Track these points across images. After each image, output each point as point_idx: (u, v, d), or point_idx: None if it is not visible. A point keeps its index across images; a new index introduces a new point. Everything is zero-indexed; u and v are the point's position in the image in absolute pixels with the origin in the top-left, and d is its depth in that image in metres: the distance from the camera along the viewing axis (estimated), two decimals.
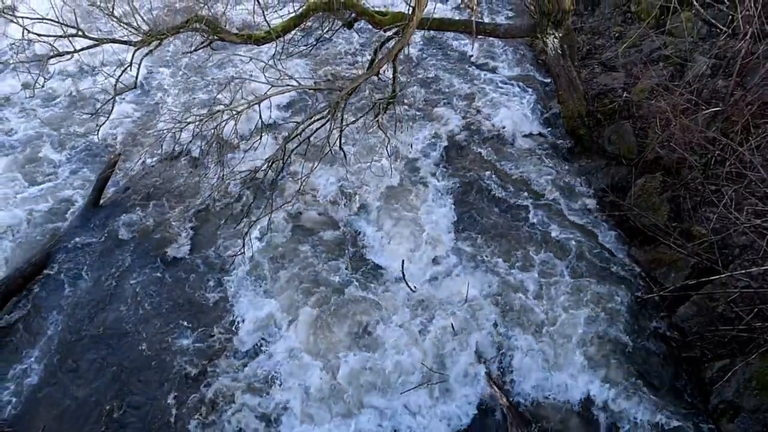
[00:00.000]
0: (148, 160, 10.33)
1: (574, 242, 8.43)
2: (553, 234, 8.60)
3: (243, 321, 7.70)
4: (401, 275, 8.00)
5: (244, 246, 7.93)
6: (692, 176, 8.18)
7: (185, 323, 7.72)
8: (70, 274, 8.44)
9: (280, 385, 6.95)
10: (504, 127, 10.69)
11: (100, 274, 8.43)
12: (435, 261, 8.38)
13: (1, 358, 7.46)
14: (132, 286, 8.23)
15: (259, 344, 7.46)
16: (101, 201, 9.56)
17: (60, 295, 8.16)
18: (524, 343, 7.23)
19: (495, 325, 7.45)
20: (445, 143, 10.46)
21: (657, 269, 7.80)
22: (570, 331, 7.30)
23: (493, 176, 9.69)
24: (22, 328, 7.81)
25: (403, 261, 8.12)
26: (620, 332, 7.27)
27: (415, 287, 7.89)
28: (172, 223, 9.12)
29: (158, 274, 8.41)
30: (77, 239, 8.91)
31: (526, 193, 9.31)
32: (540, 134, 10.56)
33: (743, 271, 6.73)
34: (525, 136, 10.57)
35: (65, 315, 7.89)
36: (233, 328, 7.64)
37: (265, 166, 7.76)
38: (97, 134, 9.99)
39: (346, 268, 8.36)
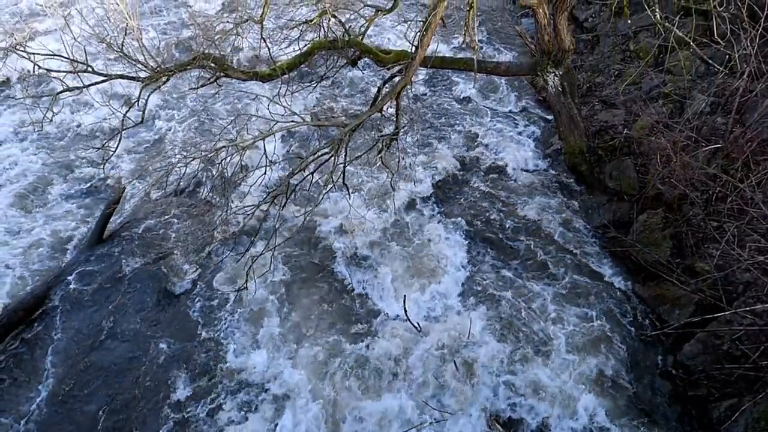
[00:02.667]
0: (153, 195, 10.40)
1: (577, 278, 8.41)
2: (556, 270, 8.58)
3: (243, 357, 7.65)
4: (404, 311, 7.96)
5: (246, 281, 7.93)
6: (694, 212, 8.20)
7: (186, 358, 7.67)
8: (71, 307, 8.42)
9: (279, 424, 6.86)
10: (506, 163, 10.78)
11: (101, 307, 8.41)
12: (438, 297, 8.35)
13: (1, 390, 7.40)
14: (133, 321, 8.20)
15: (258, 381, 7.39)
16: (105, 235, 9.59)
17: (60, 329, 8.12)
18: (528, 381, 7.15)
19: (499, 362, 7.37)
20: (448, 179, 10.53)
21: (661, 306, 7.75)
22: (574, 369, 7.23)
23: (495, 211, 9.72)
24: (22, 360, 7.77)
25: (405, 297, 8.09)
26: (625, 370, 7.20)
27: (418, 325, 7.84)
28: (175, 257, 9.13)
29: (159, 309, 8.38)
30: (79, 273, 8.91)
31: (528, 229, 9.33)
32: (541, 170, 10.64)
33: (747, 309, 6.68)
34: (526, 171, 10.65)
35: (65, 348, 7.85)
36: (233, 365, 7.58)
37: (269, 200, 7.81)
38: (103, 169, 10.09)
39: (348, 304, 8.33)
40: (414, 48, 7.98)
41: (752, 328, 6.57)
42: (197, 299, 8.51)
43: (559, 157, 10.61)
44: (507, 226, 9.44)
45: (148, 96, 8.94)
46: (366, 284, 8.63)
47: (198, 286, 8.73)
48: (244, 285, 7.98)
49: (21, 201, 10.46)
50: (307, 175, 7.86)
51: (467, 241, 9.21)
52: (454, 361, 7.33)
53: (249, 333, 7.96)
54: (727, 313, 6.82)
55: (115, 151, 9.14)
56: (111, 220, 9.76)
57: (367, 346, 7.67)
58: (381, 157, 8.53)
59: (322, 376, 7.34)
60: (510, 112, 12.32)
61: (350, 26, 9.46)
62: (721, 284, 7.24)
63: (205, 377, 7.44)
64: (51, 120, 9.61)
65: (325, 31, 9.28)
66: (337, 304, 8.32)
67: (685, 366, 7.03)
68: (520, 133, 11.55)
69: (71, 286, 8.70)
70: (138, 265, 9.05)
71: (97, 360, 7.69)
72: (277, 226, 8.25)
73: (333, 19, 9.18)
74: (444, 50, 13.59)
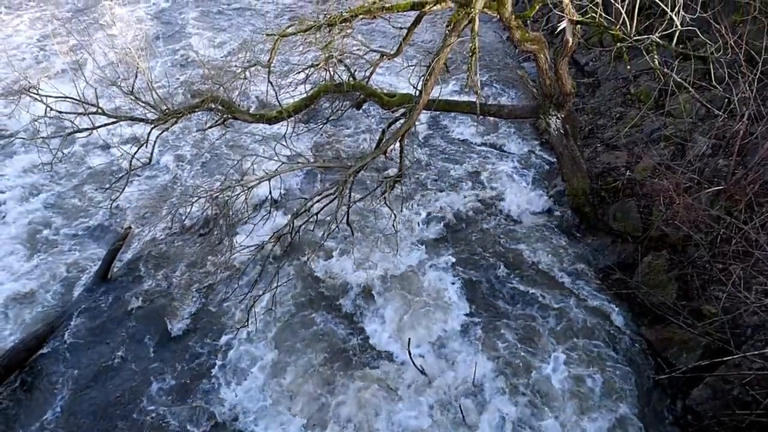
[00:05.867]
0: (159, 234, 10.45)
1: (583, 321, 8.32)
2: (560, 312, 8.50)
3: (244, 399, 7.56)
4: (408, 354, 7.87)
5: (248, 320, 7.90)
6: (699, 254, 8.16)
7: (185, 398, 7.59)
8: (73, 346, 8.39)
9: None
10: (509, 204, 10.81)
11: (104, 347, 8.37)
12: (442, 340, 8.26)
13: (3, 429, 7.31)
14: (134, 359, 8.16)
15: (258, 423, 7.27)
16: (110, 274, 9.61)
17: (62, 368, 8.08)
18: (533, 426, 7.01)
19: (503, 407, 7.24)
20: (451, 220, 10.55)
21: (668, 349, 7.63)
22: (582, 414, 7.08)
23: (499, 253, 9.71)
24: (23, 400, 7.71)
25: (409, 340, 8.01)
26: (634, 415, 7.05)
27: (422, 368, 7.73)
28: (179, 296, 9.12)
29: (162, 349, 8.34)
30: (84, 312, 8.91)
31: (532, 271, 9.29)
32: (545, 211, 10.65)
33: (756, 353, 6.58)
34: (530, 213, 10.66)
35: (66, 387, 7.81)
36: (234, 406, 7.48)
37: (273, 240, 7.85)
38: (110, 208, 10.18)
39: (351, 347, 8.25)
40: (417, 91, 8.14)
41: (762, 372, 6.44)
42: (199, 338, 8.45)
43: (563, 199, 10.65)
44: (510, 267, 9.40)
45: (157, 137, 9.10)
46: (369, 327, 8.56)
47: (200, 325, 8.69)
48: (245, 324, 7.95)
49: (29, 239, 10.53)
50: (311, 216, 7.92)
51: (470, 283, 9.17)
52: (459, 405, 7.21)
53: (249, 373, 7.88)
54: (735, 356, 6.70)
55: (122, 191, 9.24)
56: (117, 258, 9.81)
57: (369, 390, 7.55)
58: (385, 198, 8.60)
59: (322, 421, 7.21)
60: (513, 154, 12.44)
61: (355, 70, 9.66)
62: (728, 327, 7.14)
63: (204, 418, 7.32)
64: (61, 160, 9.78)
65: (330, 75, 9.48)
66: (339, 348, 8.23)
67: (694, 412, 6.87)
68: (523, 175, 11.64)
69: (74, 326, 8.68)
70: (141, 304, 9.04)
71: (98, 399, 7.63)
72: (280, 267, 8.27)
73: (339, 63, 9.39)
74: (447, 93, 13.82)
